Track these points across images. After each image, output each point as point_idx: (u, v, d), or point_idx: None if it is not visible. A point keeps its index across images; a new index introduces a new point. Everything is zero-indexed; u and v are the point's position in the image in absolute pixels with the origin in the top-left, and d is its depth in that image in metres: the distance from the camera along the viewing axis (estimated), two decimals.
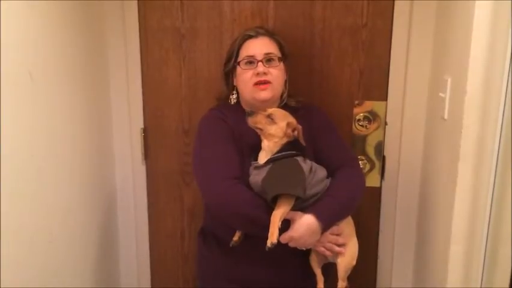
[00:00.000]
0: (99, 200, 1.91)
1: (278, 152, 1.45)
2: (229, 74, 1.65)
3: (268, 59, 1.55)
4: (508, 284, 1.29)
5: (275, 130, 1.45)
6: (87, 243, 1.80)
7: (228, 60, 1.63)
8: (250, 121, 1.46)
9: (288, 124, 1.46)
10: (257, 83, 1.54)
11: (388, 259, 2.01)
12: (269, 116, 1.45)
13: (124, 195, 2.08)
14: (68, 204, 1.62)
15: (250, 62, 1.55)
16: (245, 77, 1.56)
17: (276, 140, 1.45)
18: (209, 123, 1.61)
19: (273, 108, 1.49)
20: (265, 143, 1.47)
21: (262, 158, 1.47)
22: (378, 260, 2.04)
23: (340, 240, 1.50)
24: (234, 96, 1.65)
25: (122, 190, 2.07)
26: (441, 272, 1.43)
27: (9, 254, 1.26)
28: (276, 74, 1.56)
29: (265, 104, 1.56)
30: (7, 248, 1.25)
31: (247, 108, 1.61)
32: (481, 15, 1.20)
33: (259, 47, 1.57)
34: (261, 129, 1.46)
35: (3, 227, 1.23)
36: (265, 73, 1.53)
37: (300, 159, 1.45)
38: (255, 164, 1.48)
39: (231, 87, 1.66)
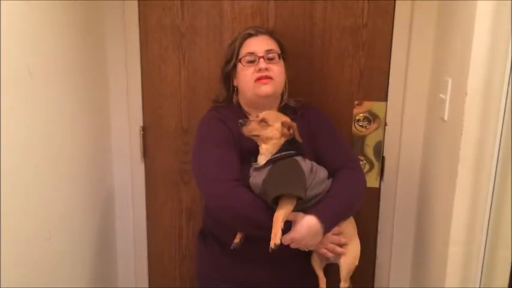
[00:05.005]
0: (97, 198, 1.90)
1: (277, 152, 1.45)
2: (228, 75, 1.65)
3: (269, 56, 1.55)
4: (507, 286, 1.28)
5: (271, 132, 1.44)
6: (84, 241, 1.80)
7: (228, 60, 1.62)
8: (245, 130, 1.45)
9: (283, 123, 1.46)
10: (259, 78, 1.53)
11: (387, 259, 2.01)
12: (262, 120, 1.45)
13: (122, 193, 2.07)
14: (66, 202, 1.62)
15: (252, 60, 1.55)
16: (246, 74, 1.55)
17: (275, 141, 1.45)
18: (208, 124, 1.60)
19: (264, 112, 1.49)
20: (263, 147, 1.46)
21: (262, 161, 1.46)
22: (376, 261, 2.04)
23: (342, 240, 1.50)
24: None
25: (120, 188, 2.07)
26: (439, 273, 1.43)
27: (7, 251, 1.25)
28: (277, 70, 1.56)
29: (267, 100, 1.57)
30: (4, 246, 1.24)
31: (247, 109, 1.63)
32: (483, 16, 1.20)
33: (260, 44, 1.57)
34: (257, 136, 1.46)
35: (1, 224, 1.22)
36: (266, 69, 1.53)
37: (299, 158, 1.45)
38: (255, 165, 1.47)
39: (232, 88, 1.66)
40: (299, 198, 1.38)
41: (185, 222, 2.09)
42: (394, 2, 1.79)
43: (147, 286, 2.18)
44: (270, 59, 1.55)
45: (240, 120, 1.47)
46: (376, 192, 1.97)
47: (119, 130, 2.01)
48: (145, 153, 2.04)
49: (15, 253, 1.31)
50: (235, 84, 1.64)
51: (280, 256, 1.39)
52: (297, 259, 1.56)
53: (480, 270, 1.32)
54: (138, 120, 2.01)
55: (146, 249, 2.14)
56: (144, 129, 2.02)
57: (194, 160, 1.56)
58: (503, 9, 1.18)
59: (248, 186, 1.45)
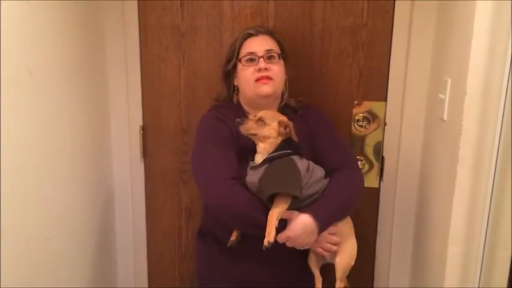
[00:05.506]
0: (97, 198, 1.90)
1: (274, 151, 1.45)
2: (229, 75, 1.65)
3: (269, 56, 1.56)
4: (506, 286, 1.29)
5: (268, 131, 1.45)
6: (84, 241, 1.80)
7: (229, 60, 1.63)
8: (243, 129, 1.46)
9: (280, 122, 1.47)
10: (259, 79, 1.54)
11: (386, 260, 2.01)
12: (260, 119, 1.46)
13: (122, 193, 2.07)
14: (65, 202, 1.62)
15: (251, 59, 1.56)
16: (246, 74, 1.56)
17: (272, 140, 1.46)
18: (208, 124, 1.61)
19: (262, 111, 1.50)
20: (260, 146, 1.47)
21: (259, 159, 1.47)
22: (376, 261, 2.04)
23: (338, 239, 1.50)
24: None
25: (120, 188, 2.07)
26: (439, 273, 1.43)
27: (7, 251, 1.25)
28: (277, 70, 1.57)
29: (267, 100, 1.57)
30: (4, 246, 1.24)
31: (247, 109, 1.64)
32: (482, 16, 1.20)
33: (260, 44, 1.58)
34: (254, 135, 1.47)
35: (1, 224, 1.22)
36: (266, 69, 1.54)
37: (296, 158, 1.46)
38: (252, 164, 1.48)
39: (232, 87, 1.66)
40: (294, 197, 1.38)
41: (185, 221, 2.09)
42: (394, 2, 1.79)
43: (147, 286, 2.18)
44: (270, 59, 1.56)
45: (237, 119, 1.47)
46: (375, 192, 1.97)
47: (119, 130, 2.01)
48: (145, 153, 2.04)
49: (15, 253, 1.31)
50: (235, 83, 1.65)
51: (278, 255, 1.39)
52: (295, 258, 1.56)
53: (479, 270, 1.32)
54: (137, 120, 2.01)
55: (146, 249, 2.14)
56: (143, 129, 2.02)
57: (193, 159, 1.57)
58: (502, 9, 1.18)
59: (245, 185, 1.46)
